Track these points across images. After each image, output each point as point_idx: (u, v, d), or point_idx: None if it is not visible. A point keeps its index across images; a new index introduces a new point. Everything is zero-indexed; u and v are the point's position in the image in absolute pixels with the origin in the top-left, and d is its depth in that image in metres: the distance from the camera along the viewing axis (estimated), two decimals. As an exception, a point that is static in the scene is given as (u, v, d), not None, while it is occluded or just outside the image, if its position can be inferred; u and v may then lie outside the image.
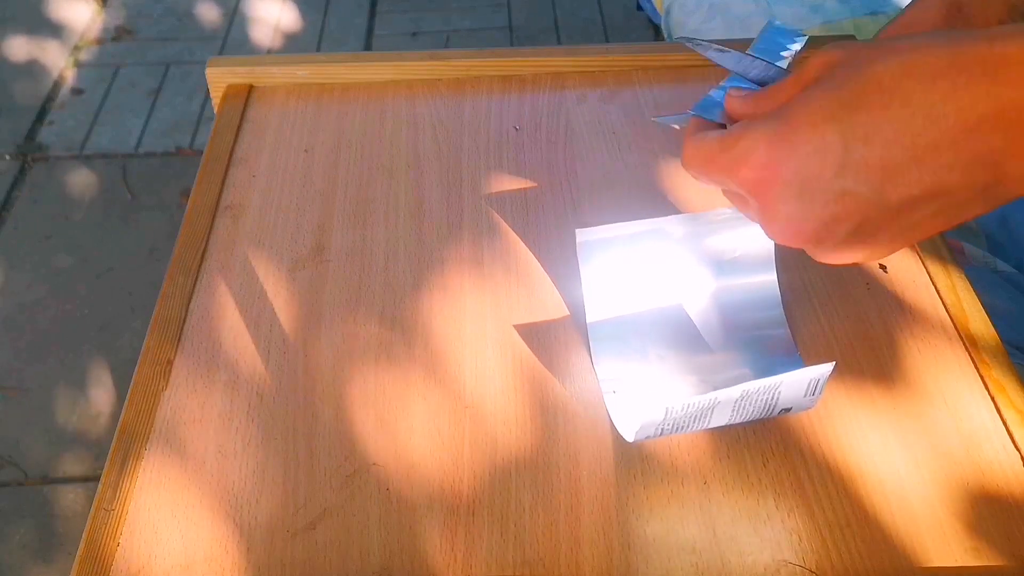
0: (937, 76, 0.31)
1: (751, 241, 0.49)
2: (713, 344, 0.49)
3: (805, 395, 0.42)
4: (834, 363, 0.41)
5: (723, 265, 0.49)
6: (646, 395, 0.46)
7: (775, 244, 0.48)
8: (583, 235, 0.47)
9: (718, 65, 0.44)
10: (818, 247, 0.36)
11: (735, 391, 0.40)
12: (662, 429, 0.42)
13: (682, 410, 0.41)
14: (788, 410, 0.44)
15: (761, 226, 0.37)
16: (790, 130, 0.34)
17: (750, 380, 0.40)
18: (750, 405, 0.42)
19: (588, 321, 0.49)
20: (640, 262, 0.48)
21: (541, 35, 2.04)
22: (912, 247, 0.54)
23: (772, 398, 0.42)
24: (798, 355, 0.48)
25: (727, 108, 0.41)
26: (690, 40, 0.44)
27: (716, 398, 0.41)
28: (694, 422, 0.42)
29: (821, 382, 0.42)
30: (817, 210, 0.34)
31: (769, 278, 0.50)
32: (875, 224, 0.34)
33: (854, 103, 0.33)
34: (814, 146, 0.33)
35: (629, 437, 0.43)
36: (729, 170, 0.37)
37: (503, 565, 0.41)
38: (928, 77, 0.31)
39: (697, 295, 0.50)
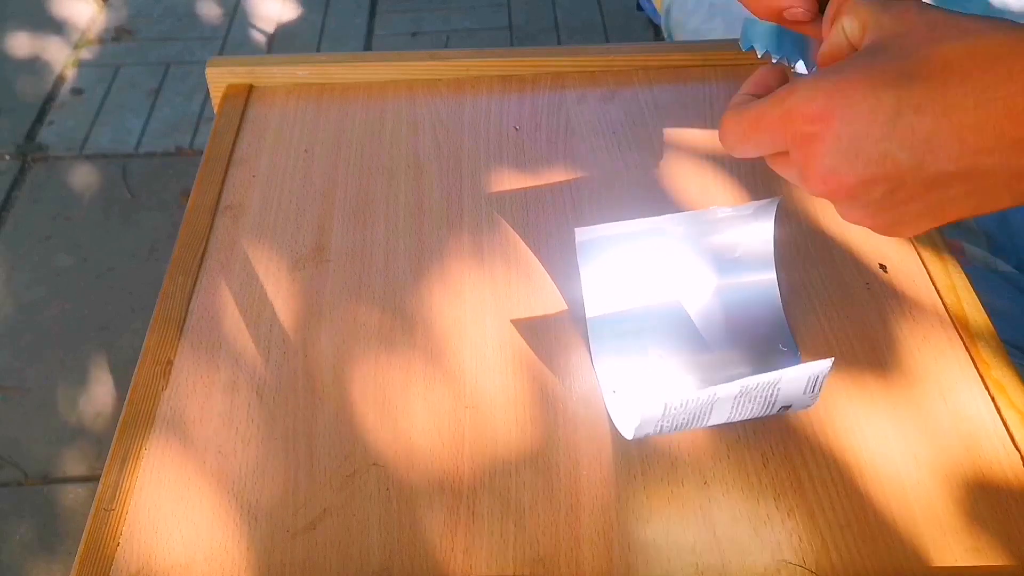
0: (996, 60, 0.33)
1: (751, 240, 0.49)
2: (712, 343, 0.49)
3: (804, 392, 0.42)
4: (832, 359, 0.41)
5: (723, 264, 0.49)
6: (646, 393, 0.46)
7: (775, 243, 0.49)
8: (582, 234, 0.47)
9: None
10: (849, 203, 0.38)
11: (734, 387, 0.40)
12: (661, 426, 0.42)
13: (681, 406, 0.41)
14: (788, 407, 0.44)
15: (799, 178, 0.39)
16: (849, 86, 0.35)
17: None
18: (749, 402, 0.42)
19: (588, 320, 0.49)
20: (639, 261, 0.48)
21: (541, 35, 2.04)
22: (911, 245, 0.54)
23: (771, 395, 0.42)
24: (798, 354, 0.48)
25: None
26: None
27: (715, 394, 0.41)
28: (693, 419, 0.42)
29: (820, 379, 0.42)
30: (859, 168, 0.36)
31: (769, 277, 0.50)
32: (908, 193, 0.36)
33: (916, 74, 0.34)
34: (869, 105, 0.34)
35: (628, 435, 0.43)
36: (780, 123, 0.37)
37: (503, 564, 0.41)
38: (988, 60, 0.33)
39: (697, 294, 0.50)
